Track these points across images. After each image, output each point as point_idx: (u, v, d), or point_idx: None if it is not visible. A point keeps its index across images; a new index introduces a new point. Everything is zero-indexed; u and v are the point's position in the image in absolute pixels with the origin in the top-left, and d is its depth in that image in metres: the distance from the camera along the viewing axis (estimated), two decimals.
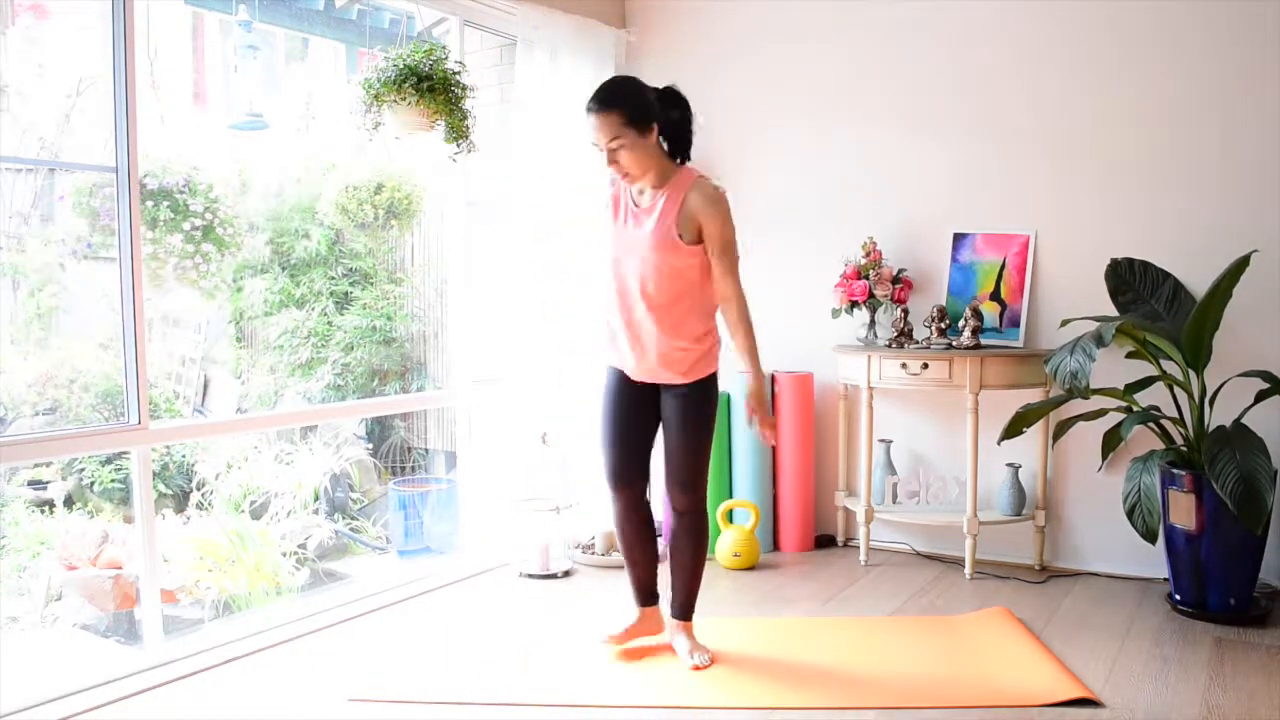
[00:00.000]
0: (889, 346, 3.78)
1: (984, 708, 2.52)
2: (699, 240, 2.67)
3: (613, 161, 2.63)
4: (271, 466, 4.81)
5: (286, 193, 5.56)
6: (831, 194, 4.12)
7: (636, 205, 2.75)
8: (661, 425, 2.84)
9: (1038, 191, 3.75)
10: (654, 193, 2.71)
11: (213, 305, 5.31)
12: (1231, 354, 3.37)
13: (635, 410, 2.84)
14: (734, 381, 4.07)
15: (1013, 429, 3.37)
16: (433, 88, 3.17)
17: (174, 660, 2.81)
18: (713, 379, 2.81)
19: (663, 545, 3.02)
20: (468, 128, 3.31)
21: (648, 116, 2.62)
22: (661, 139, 2.70)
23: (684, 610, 2.90)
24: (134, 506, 2.83)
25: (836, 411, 4.11)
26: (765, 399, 2.76)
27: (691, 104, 2.77)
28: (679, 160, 2.76)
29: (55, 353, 4.69)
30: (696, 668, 2.77)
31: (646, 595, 2.98)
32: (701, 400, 2.78)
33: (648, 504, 2.95)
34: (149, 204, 4.49)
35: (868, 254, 3.88)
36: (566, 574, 3.74)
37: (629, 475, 2.86)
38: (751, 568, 3.83)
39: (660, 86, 2.73)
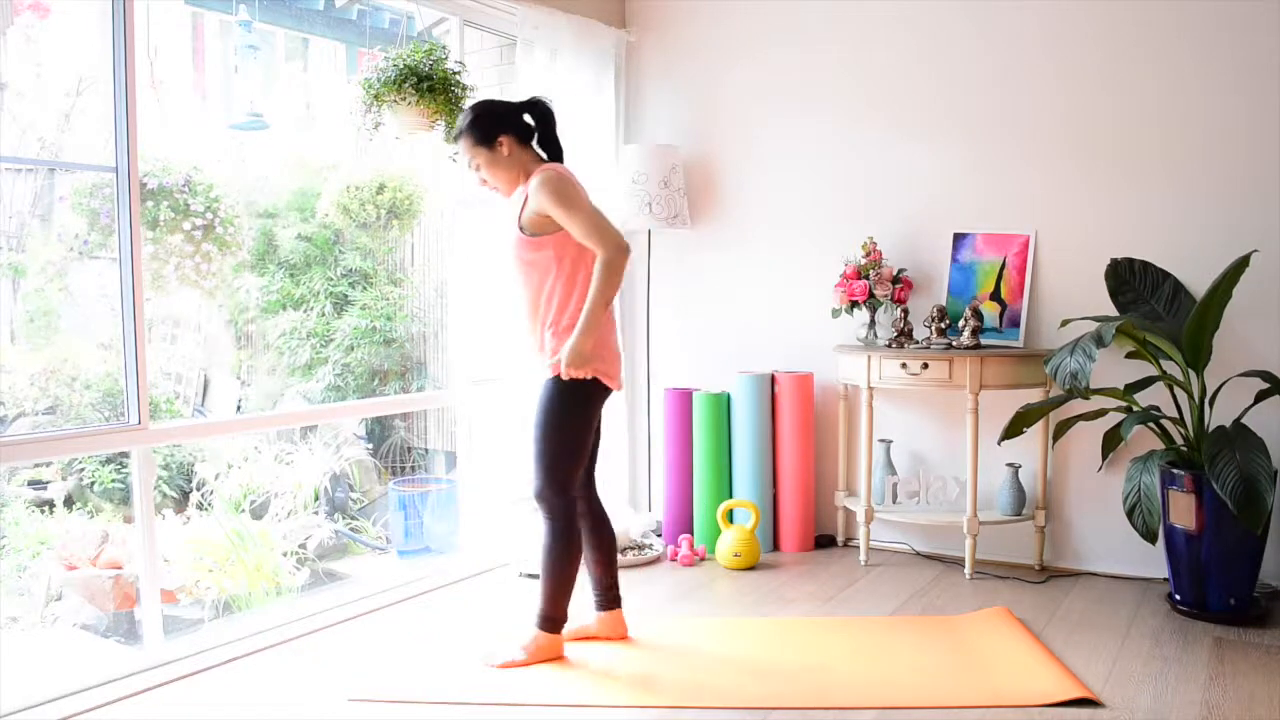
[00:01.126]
0: (889, 346, 3.78)
1: (984, 708, 2.52)
2: (545, 231, 2.72)
3: (482, 181, 2.84)
4: (271, 466, 4.81)
5: (287, 193, 5.56)
6: (831, 194, 4.13)
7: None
8: None
9: (1038, 191, 3.75)
10: (514, 196, 2.84)
11: (213, 305, 5.31)
12: (1231, 354, 3.38)
13: None
14: (735, 382, 4.08)
15: (1013, 429, 3.37)
16: (433, 88, 3.17)
17: (174, 660, 2.81)
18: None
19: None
20: None
21: (493, 133, 2.77)
22: (536, 146, 2.85)
23: (537, 615, 2.86)
24: (134, 506, 2.83)
25: (836, 411, 4.11)
26: (580, 357, 2.65)
27: (554, 111, 2.88)
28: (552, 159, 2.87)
29: (55, 352, 4.69)
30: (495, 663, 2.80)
31: (601, 598, 3.00)
32: (553, 392, 2.76)
33: (593, 505, 2.97)
34: (149, 204, 4.49)
35: (868, 254, 3.88)
36: None
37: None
38: (751, 568, 3.83)
39: (524, 99, 2.87)
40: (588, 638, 3.00)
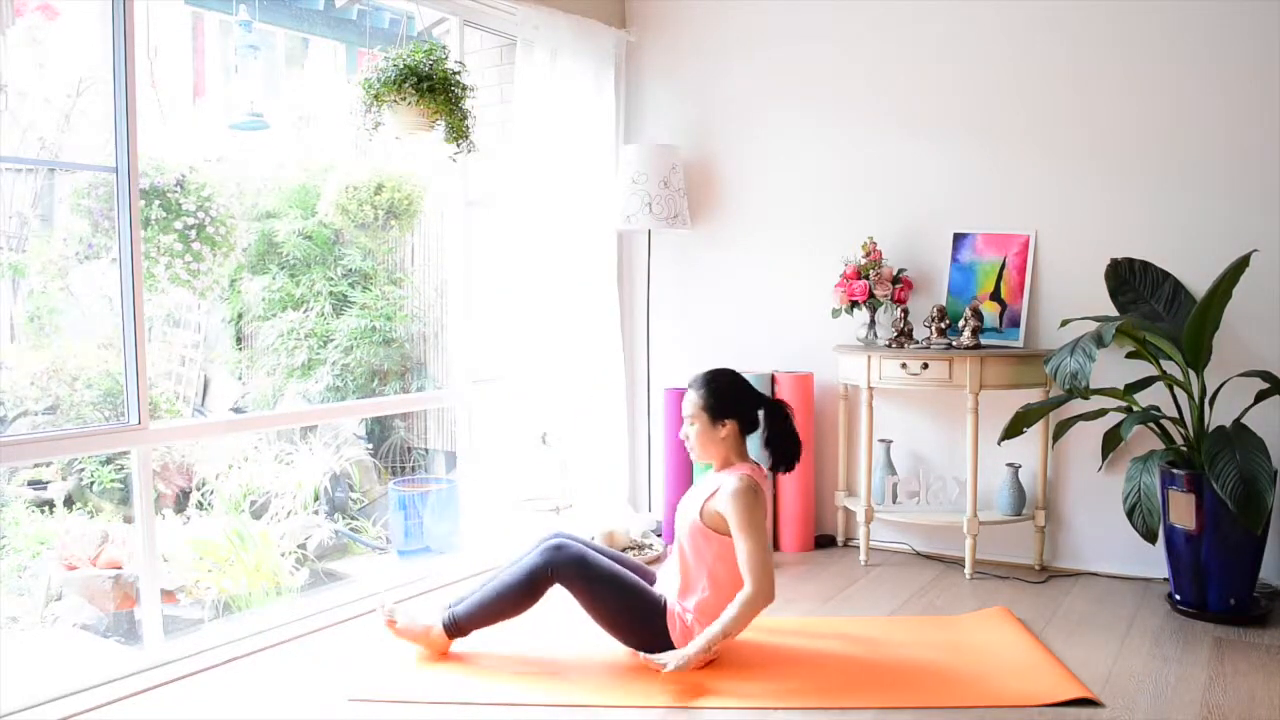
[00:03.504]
0: (889, 346, 3.78)
1: (984, 708, 2.52)
2: (719, 531, 2.71)
3: (684, 434, 2.85)
4: (271, 466, 4.81)
5: (286, 192, 5.56)
6: (831, 194, 4.13)
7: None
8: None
9: (1038, 191, 3.75)
10: (711, 476, 2.83)
11: (206, 305, 5.31)
12: (1231, 354, 3.38)
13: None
14: None
15: (1013, 429, 3.37)
16: (433, 88, 3.17)
17: (174, 660, 2.81)
18: (661, 631, 2.75)
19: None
20: (468, 128, 3.31)
21: (724, 412, 2.79)
22: (758, 438, 2.84)
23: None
24: (134, 506, 2.83)
25: (836, 411, 4.11)
26: (691, 658, 2.61)
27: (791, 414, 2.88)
28: (780, 469, 2.87)
29: (56, 351, 4.69)
30: None
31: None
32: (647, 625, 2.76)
33: None
34: (140, 203, 4.49)
35: (868, 254, 3.88)
36: None
37: None
38: None
39: (772, 399, 2.89)
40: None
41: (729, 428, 2.79)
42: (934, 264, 3.94)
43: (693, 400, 2.81)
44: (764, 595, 2.64)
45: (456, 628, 2.83)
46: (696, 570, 2.75)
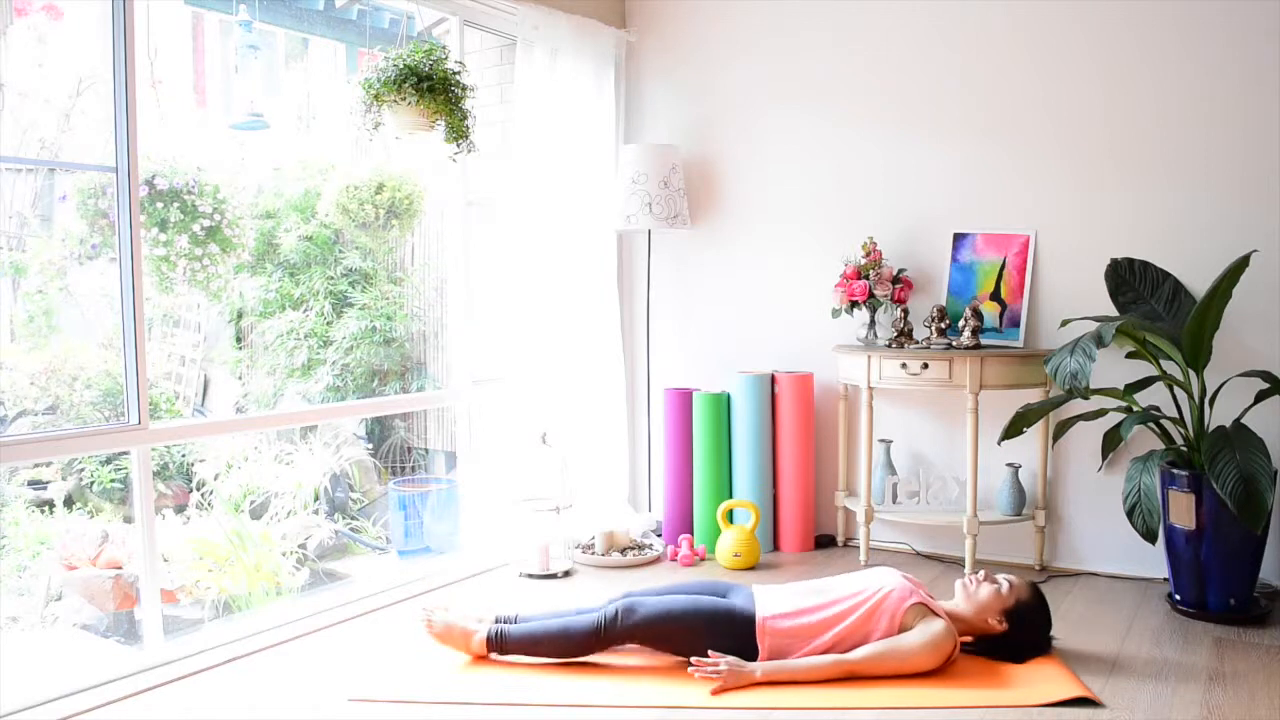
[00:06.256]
0: (889, 346, 3.78)
1: (984, 708, 2.52)
2: (899, 629, 2.75)
3: (984, 576, 2.89)
4: (271, 466, 4.81)
5: (287, 192, 5.56)
6: (831, 194, 4.13)
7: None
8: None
9: (1038, 191, 3.75)
10: (933, 613, 2.78)
11: (207, 305, 5.32)
12: (1231, 354, 3.38)
13: None
14: (735, 382, 4.08)
15: (1013, 429, 3.37)
16: (433, 88, 3.17)
17: (174, 660, 2.81)
18: None
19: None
20: (468, 128, 3.31)
21: (1017, 623, 2.83)
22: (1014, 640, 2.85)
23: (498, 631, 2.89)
24: (134, 506, 2.83)
25: (836, 411, 4.11)
26: (739, 678, 2.65)
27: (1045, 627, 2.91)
28: (1017, 663, 2.82)
29: (56, 351, 4.69)
30: None
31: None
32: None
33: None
34: (159, 205, 4.49)
35: (868, 254, 3.88)
36: (566, 574, 3.75)
37: None
38: (752, 568, 3.83)
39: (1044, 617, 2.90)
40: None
41: (1004, 628, 2.82)
42: (934, 264, 3.94)
43: (1020, 590, 2.86)
44: (853, 673, 2.67)
45: (501, 645, 2.82)
46: (844, 625, 2.75)
